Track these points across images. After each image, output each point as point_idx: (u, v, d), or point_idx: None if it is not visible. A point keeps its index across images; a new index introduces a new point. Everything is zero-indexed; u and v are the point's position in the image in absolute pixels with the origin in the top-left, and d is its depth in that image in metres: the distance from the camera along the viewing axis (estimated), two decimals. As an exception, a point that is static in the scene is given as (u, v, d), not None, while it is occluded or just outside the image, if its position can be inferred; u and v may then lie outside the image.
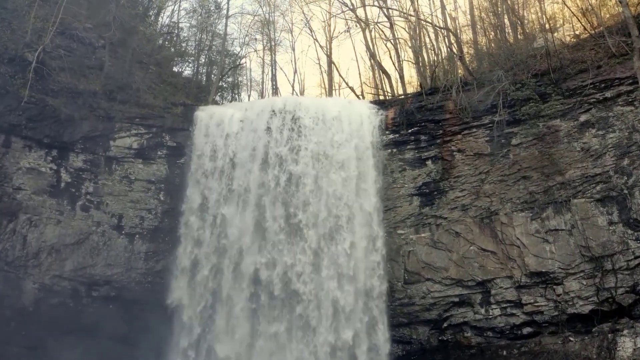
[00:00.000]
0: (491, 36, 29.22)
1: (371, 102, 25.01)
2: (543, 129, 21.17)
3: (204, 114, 23.63)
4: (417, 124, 23.07)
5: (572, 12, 22.86)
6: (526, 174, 21.34)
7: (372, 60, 37.40)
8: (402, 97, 25.10)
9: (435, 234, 22.38)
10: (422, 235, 22.56)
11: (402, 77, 31.32)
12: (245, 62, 36.40)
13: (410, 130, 23.11)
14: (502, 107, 21.28)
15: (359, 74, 38.31)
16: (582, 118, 20.81)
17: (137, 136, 23.45)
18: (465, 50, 27.31)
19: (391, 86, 33.13)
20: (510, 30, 28.43)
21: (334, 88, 38.28)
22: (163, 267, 22.89)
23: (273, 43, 39.87)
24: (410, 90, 32.09)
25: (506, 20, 28.81)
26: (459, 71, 24.64)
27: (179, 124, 23.88)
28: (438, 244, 22.25)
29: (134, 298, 22.32)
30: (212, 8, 34.59)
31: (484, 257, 21.58)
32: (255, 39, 35.50)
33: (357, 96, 34.28)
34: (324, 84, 38.85)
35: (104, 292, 22.48)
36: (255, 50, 38.16)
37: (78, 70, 23.79)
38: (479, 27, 28.37)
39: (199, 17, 32.93)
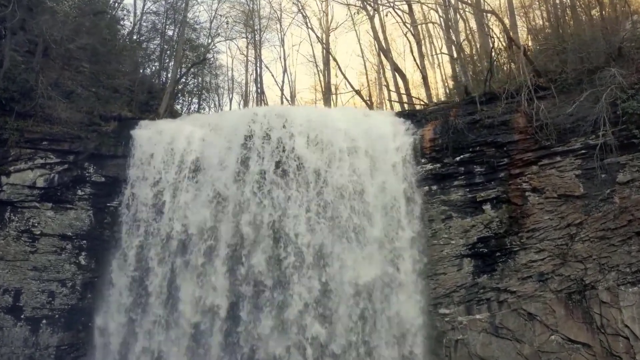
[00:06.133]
0: (548, 22, 21.66)
1: (398, 114, 17.23)
2: (666, 158, 13.71)
3: (147, 133, 15.75)
4: (469, 147, 15.48)
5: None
6: (641, 228, 13.95)
7: (381, 57, 29.72)
8: (442, 105, 17.36)
9: (497, 316, 15.12)
10: (477, 317, 15.27)
11: (425, 78, 23.66)
12: (214, 57, 28.51)
13: (458, 158, 15.52)
14: (605, 124, 13.73)
15: (366, 74, 30.52)
16: None
17: (44, 168, 15.57)
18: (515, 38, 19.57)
19: (407, 90, 25.42)
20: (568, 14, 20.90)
21: (332, 92, 30.43)
22: (85, 367, 15.12)
23: (257, 35, 31.95)
24: (435, 96, 24.52)
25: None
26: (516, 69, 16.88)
27: (110, 149, 16.06)
28: (501, 330, 15.06)
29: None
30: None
31: (572, 351, 14.63)
32: (227, 23, 27.47)
33: (366, 102, 26.52)
34: (321, 85, 31.01)
35: (-8, 409, 14.75)
36: (230, 39, 29.71)
37: (-41, 69, 15.83)
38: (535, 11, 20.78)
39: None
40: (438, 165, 15.64)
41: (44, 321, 15.16)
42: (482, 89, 16.59)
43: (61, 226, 15.52)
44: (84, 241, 15.63)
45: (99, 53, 17.75)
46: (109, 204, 15.86)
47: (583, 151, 14.56)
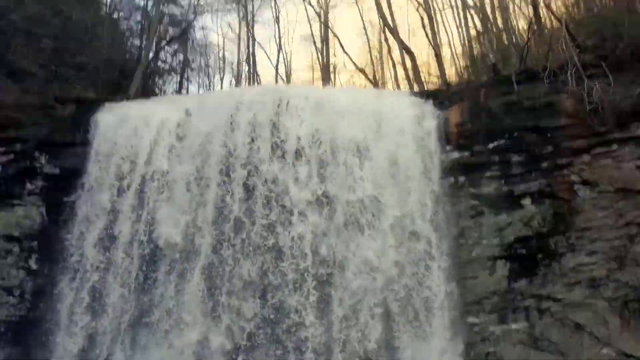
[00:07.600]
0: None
1: (415, 93, 14.64)
2: None
3: (111, 118, 13.03)
4: (505, 133, 12.91)
5: None
6: None
7: (386, 34, 27.11)
8: (468, 84, 14.77)
9: (537, 326, 12.55)
10: (513, 327, 12.65)
11: (438, 56, 21.06)
12: (203, 34, 26.10)
13: (491, 146, 12.94)
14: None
15: (369, 51, 27.80)
16: None
17: (-15, 158, 12.77)
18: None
19: (415, 68, 22.87)
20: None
21: (331, 71, 27.80)
22: (37, 388, 12.45)
23: (249, 10, 29.28)
24: (449, 75, 21.92)
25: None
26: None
27: (67, 136, 13.32)
28: (542, 342, 12.49)
29: None
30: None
31: (628, 370, 12.19)
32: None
33: (370, 81, 23.89)
34: (320, 63, 28.30)
35: None
36: (215, 10, 26.82)
37: None
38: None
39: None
40: (467, 153, 13.05)
41: (-12, 336, 12.47)
42: (518, 67, 13.95)
43: (7, 226, 12.74)
44: (35, 242, 12.87)
45: (62, 27, 14.97)
46: (65, 199, 13.08)
47: (644, 138, 12.11)
